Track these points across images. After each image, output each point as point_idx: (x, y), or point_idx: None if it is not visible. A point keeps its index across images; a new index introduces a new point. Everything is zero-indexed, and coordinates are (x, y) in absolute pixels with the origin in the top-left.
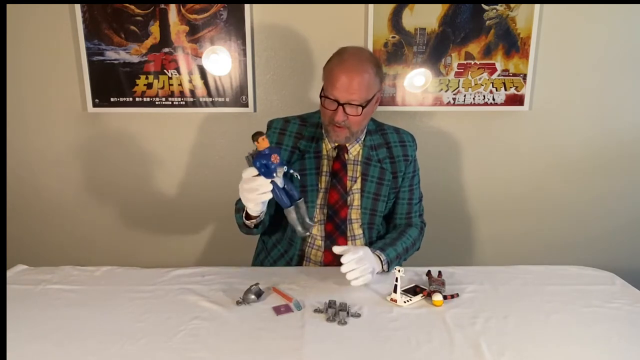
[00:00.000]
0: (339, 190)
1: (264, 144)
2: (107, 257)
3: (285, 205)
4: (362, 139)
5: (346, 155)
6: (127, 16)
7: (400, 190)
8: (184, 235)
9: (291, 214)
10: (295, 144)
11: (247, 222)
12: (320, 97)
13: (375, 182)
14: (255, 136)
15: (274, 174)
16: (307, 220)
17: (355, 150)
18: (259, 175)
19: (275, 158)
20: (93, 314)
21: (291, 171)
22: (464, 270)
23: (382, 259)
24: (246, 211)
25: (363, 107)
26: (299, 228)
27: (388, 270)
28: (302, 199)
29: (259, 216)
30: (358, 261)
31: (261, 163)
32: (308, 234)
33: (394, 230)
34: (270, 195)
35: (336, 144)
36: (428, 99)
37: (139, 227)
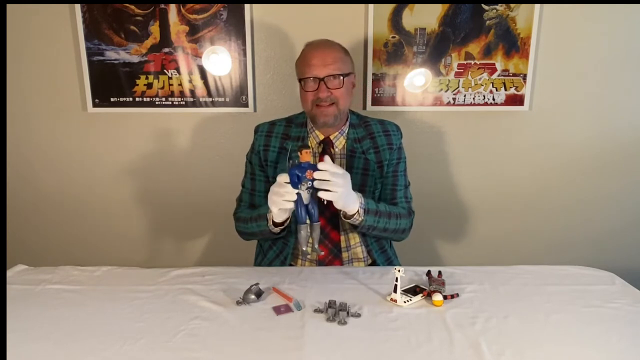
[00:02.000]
0: None
1: (306, 157)
2: (107, 257)
3: (300, 221)
4: (346, 132)
5: (332, 150)
6: (127, 16)
7: (385, 177)
8: (184, 235)
9: (302, 231)
10: (282, 144)
11: (274, 229)
12: (300, 82)
13: (360, 173)
14: (301, 147)
15: (299, 186)
16: (316, 245)
17: (340, 144)
18: (289, 183)
19: (310, 174)
20: (93, 314)
21: (320, 195)
22: (464, 270)
23: (360, 202)
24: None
25: (343, 77)
26: (304, 248)
27: (363, 220)
28: (319, 223)
29: (284, 222)
30: (332, 174)
31: (294, 173)
32: (310, 252)
33: None
34: (292, 205)
35: (321, 139)
36: (428, 99)
37: (139, 227)
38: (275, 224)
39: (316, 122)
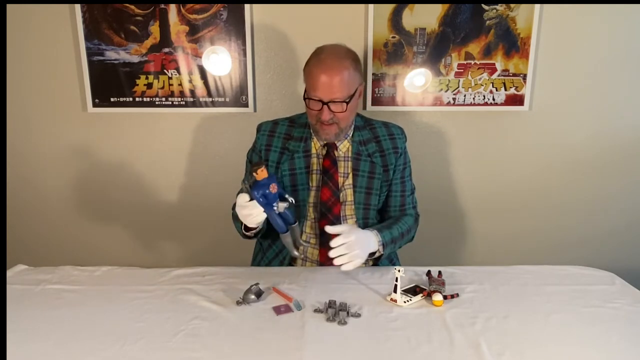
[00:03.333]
0: (331, 187)
1: (262, 174)
2: (107, 257)
3: (281, 231)
4: (351, 135)
5: (336, 152)
6: (127, 16)
7: (392, 183)
8: (184, 235)
9: (286, 239)
10: (285, 145)
11: (247, 233)
12: (304, 98)
13: (367, 176)
14: (255, 167)
15: (274, 206)
16: (300, 240)
17: (344, 147)
18: (251, 200)
19: (273, 187)
20: (93, 314)
21: (287, 196)
22: (464, 270)
23: (378, 240)
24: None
25: (347, 103)
26: (295, 252)
27: (383, 254)
28: (297, 222)
29: (256, 227)
30: (348, 247)
31: (260, 193)
32: (301, 255)
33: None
34: (264, 216)
35: (325, 142)
36: (428, 99)
37: (139, 227)
38: (247, 229)
39: (319, 136)
